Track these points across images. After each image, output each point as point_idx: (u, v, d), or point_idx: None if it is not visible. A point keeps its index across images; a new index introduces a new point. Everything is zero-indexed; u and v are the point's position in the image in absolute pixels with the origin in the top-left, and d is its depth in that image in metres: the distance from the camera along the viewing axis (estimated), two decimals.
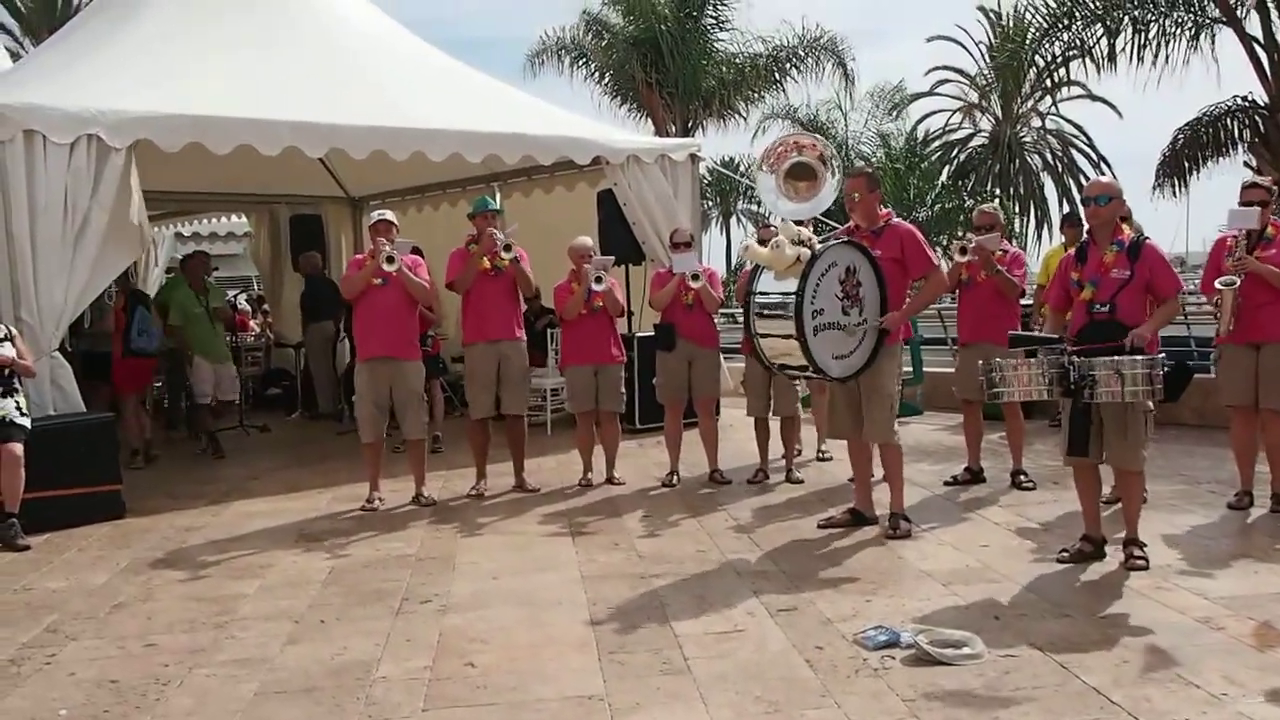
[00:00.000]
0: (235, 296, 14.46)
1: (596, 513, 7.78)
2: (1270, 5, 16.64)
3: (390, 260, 7.75)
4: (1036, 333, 6.03)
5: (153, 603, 5.87)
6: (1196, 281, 7.23)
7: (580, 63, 28.73)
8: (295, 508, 8.17)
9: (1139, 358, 5.47)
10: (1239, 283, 6.82)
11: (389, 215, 8.16)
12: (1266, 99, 17.38)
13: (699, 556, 6.45)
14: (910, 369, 11.52)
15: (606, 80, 28.81)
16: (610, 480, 8.69)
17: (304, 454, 10.57)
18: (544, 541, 7.02)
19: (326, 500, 8.41)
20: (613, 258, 8.90)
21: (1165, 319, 5.95)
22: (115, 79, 8.85)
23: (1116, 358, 5.48)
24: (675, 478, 8.60)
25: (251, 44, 9.99)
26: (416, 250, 8.45)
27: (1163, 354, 5.58)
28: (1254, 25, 16.87)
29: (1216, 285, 6.90)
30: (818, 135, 8.06)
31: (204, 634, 5.30)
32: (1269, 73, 16.97)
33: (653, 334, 8.93)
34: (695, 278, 8.38)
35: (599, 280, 8.30)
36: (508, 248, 8.10)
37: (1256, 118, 17.77)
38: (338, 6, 11.43)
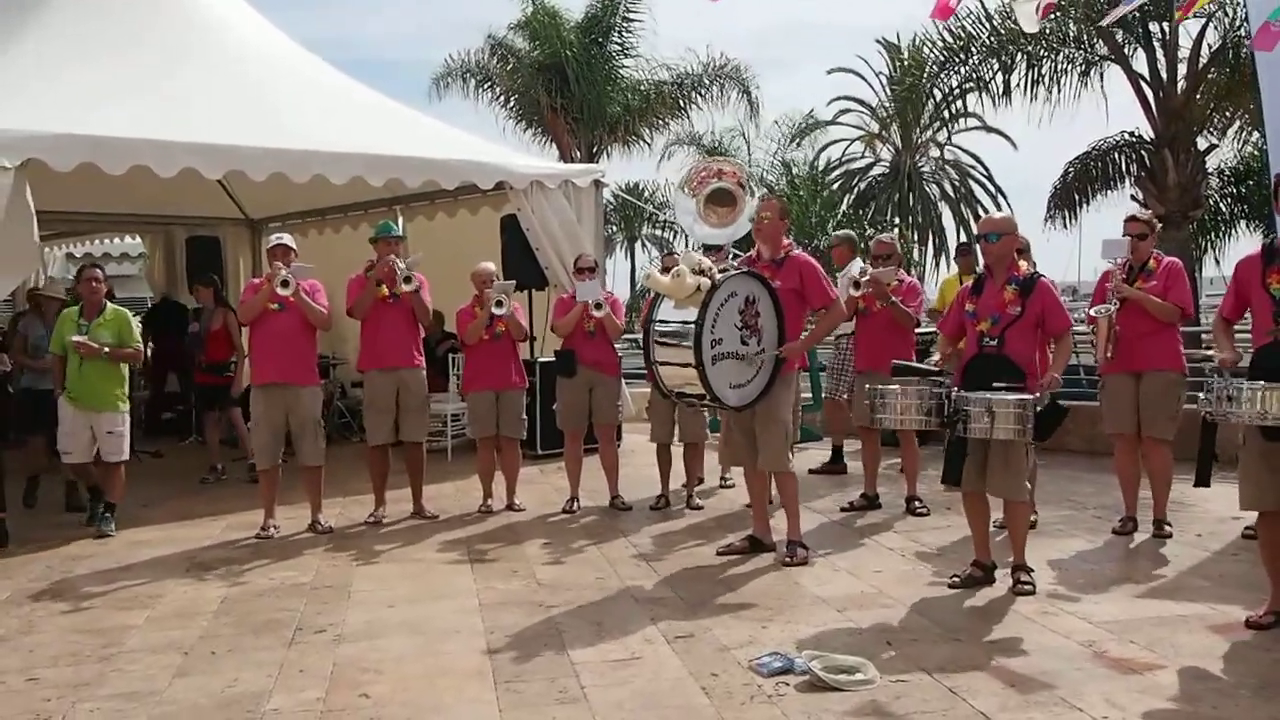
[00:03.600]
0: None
1: (496, 540, 7.74)
2: (1155, 44, 17.21)
3: (285, 284, 7.68)
4: (919, 364, 6.18)
5: (35, 635, 5.70)
6: (1085, 311, 7.46)
7: (485, 87, 28.67)
8: (187, 536, 8.00)
9: (1011, 397, 5.63)
10: (1114, 310, 7.03)
11: (287, 239, 8.10)
12: (1152, 134, 17.97)
13: (598, 584, 6.46)
14: (810, 395, 11.66)
15: (512, 105, 28.79)
16: (510, 507, 8.65)
17: (198, 481, 10.33)
18: (442, 569, 6.97)
19: (220, 528, 8.25)
20: (514, 282, 8.90)
21: (1065, 357, 6.12)
22: (5, 98, 8.66)
23: (990, 395, 5.63)
24: (575, 504, 8.60)
25: (150, 64, 9.88)
26: None
27: (1036, 395, 5.73)
28: (1140, 63, 17.47)
29: (1091, 313, 7.12)
30: (738, 162, 8.16)
31: (89, 667, 5.17)
32: (1154, 109, 17.55)
33: (554, 360, 8.93)
34: (599, 306, 8.40)
35: (499, 305, 8.29)
36: (408, 279, 8.07)
37: (1143, 152, 18.37)
38: (238, 27, 11.34)
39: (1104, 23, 12.01)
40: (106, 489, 8.24)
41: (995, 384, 5.71)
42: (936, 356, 6.34)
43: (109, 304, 8.28)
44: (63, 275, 16.55)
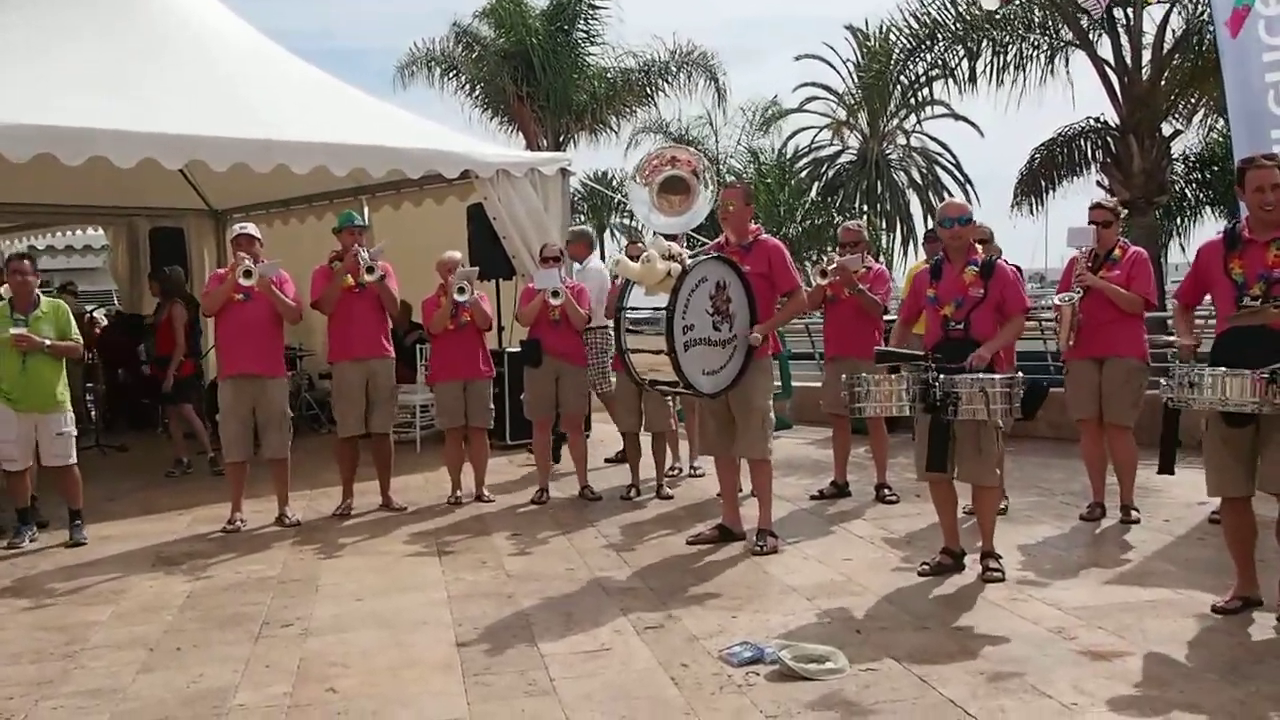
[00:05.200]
0: (92, 311, 13.94)
1: (464, 531, 7.70)
2: (1120, 30, 17.28)
3: (248, 274, 7.60)
4: (903, 349, 6.12)
5: None
6: (1053, 299, 7.48)
7: (451, 75, 28.51)
8: (153, 530, 7.92)
9: (998, 376, 5.63)
10: (1078, 298, 7.05)
11: (250, 229, 8.03)
12: (1117, 120, 18.04)
13: (567, 575, 6.43)
14: (779, 383, 11.66)
15: (477, 93, 28.61)
16: (479, 498, 8.61)
17: (163, 474, 10.22)
18: (410, 561, 6.93)
19: (186, 522, 8.17)
20: (477, 269, 8.84)
21: (1008, 337, 6.12)
22: None
23: (980, 375, 5.62)
24: (545, 495, 8.56)
25: (108, 53, 9.77)
26: None
27: (1020, 373, 5.74)
28: (1106, 49, 17.53)
29: (1055, 300, 7.14)
30: (692, 149, 8.10)
31: (52, 664, 5.11)
32: (1119, 95, 17.61)
33: (520, 349, 8.88)
34: (555, 294, 8.35)
35: (462, 291, 8.24)
36: (370, 269, 8.00)
37: (1108, 138, 18.44)
38: (200, 16, 11.23)
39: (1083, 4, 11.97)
40: (65, 496, 7.69)
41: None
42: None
43: (43, 296, 7.70)
44: None
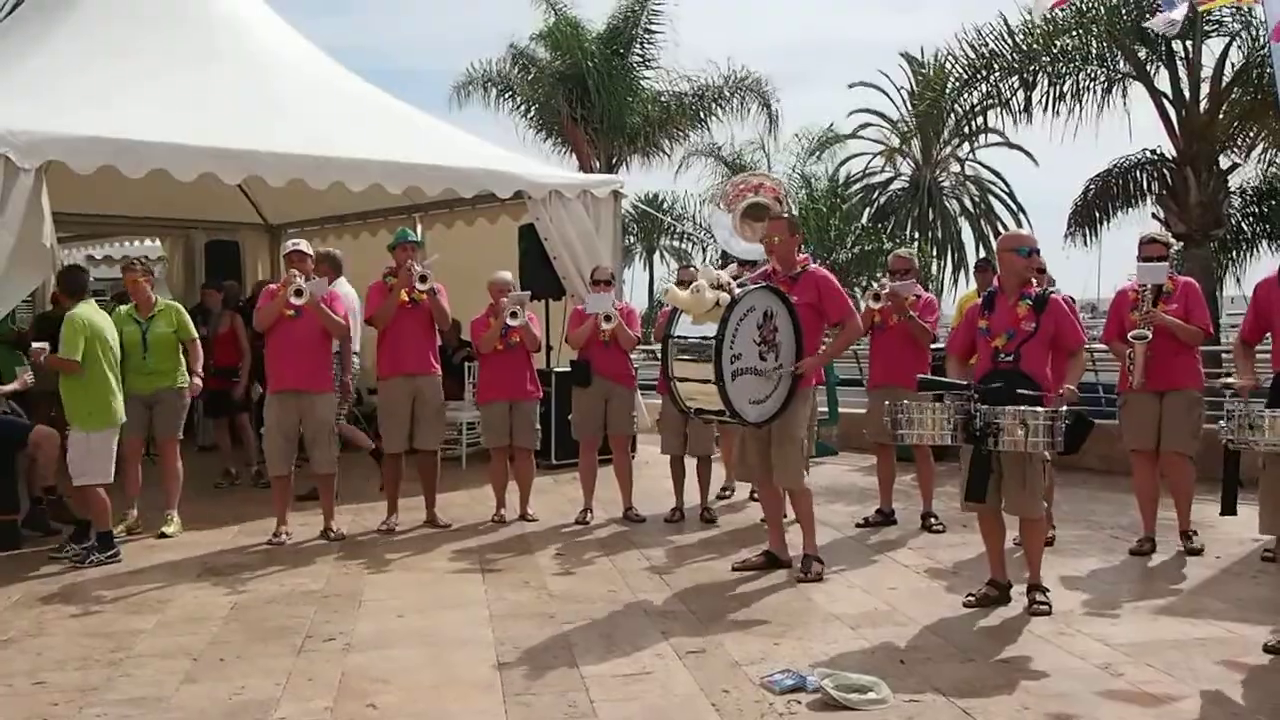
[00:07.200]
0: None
1: (508, 550, 7.71)
2: (1178, 62, 17.10)
3: (299, 293, 7.67)
4: (945, 378, 6.07)
5: (44, 638, 5.70)
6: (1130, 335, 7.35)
7: (506, 96, 28.75)
8: (200, 540, 7.99)
9: (1040, 409, 5.57)
10: (1150, 336, 6.98)
11: (303, 245, 8.10)
12: (1174, 153, 17.83)
13: (609, 596, 6.42)
14: (826, 410, 11.61)
15: (532, 114, 28.82)
16: (523, 517, 8.63)
17: (211, 485, 10.30)
18: (453, 579, 6.94)
19: (232, 534, 8.24)
20: (529, 293, 8.87)
21: (1079, 372, 6.06)
22: (27, 100, 8.70)
23: (1022, 407, 5.57)
24: (589, 515, 8.56)
25: (171, 68, 9.90)
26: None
27: (1064, 406, 5.68)
28: (1163, 81, 17.34)
29: (1131, 338, 7.05)
30: (777, 177, 8.15)
31: (97, 672, 5.15)
32: (1176, 127, 17.42)
33: (570, 370, 8.90)
34: (608, 319, 8.38)
35: (514, 315, 8.28)
36: (423, 279, 8.06)
37: (1165, 170, 18.20)
38: (260, 32, 11.37)
39: (1149, 24, 11.81)
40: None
41: (1019, 391, 5.65)
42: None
43: (68, 311, 7.35)
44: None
